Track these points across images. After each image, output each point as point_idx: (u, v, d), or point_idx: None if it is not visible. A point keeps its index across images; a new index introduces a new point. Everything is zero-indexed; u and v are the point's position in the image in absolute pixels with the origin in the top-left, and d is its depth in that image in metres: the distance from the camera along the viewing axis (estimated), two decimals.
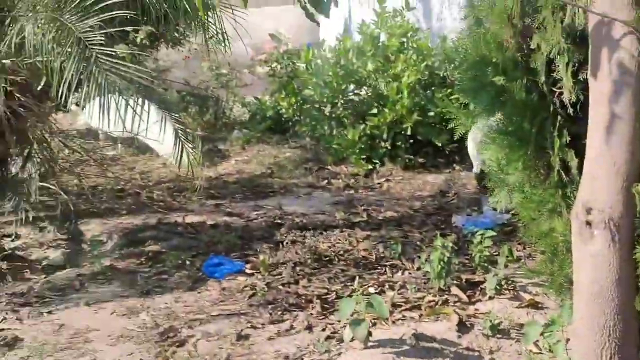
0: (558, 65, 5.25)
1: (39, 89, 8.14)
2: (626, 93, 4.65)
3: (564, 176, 5.36)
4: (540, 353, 6.20)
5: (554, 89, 5.32)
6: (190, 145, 8.33)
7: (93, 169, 11.85)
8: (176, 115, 8.71)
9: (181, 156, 8.18)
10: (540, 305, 7.02)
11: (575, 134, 5.27)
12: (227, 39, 8.61)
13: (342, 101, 12.73)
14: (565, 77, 5.19)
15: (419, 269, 7.97)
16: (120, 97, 7.18)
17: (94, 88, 6.91)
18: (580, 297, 5.12)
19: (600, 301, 4.97)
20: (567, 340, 5.59)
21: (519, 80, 5.45)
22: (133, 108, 7.29)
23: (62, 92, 6.85)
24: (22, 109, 8.12)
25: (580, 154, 5.18)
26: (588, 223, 4.94)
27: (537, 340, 6.16)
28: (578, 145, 5.26)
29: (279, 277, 7.88)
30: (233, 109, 15.74)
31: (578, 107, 5.13)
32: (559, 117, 5.33)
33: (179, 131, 8.23)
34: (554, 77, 5.30)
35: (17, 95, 7.98)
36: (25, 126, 8.49)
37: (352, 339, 6.21)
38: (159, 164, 12.93)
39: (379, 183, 11.54)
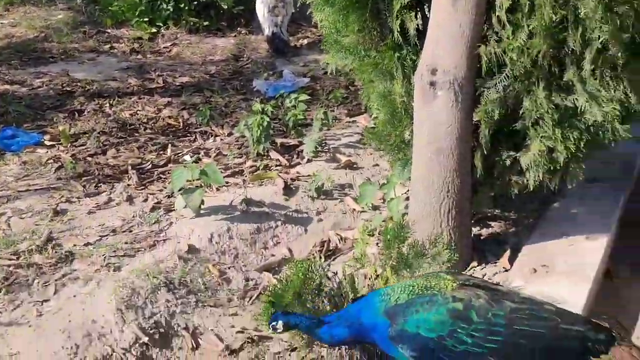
0: None
1: None
2: None
3: (400, 39, 5.35)
4: (364, 211, 6.37)
5: None
6: None
7: None
8: None
9: None
10: (355, 166, 7.15)
11: None
12: None
13: None
14: None
15: (230, 134, 7.79)
16: None
17: None
18: (420, 156, 5.26)
19: (440, 159, 5.14)
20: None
21: None
22: None
23: None
24: None
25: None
26: (432, 84, 5.02)
27: (367, 203, 6.30)
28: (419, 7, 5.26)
29: (84, 148, 7.38)
30: None
31: None
32: None
33: None
34: None
35: None
36: None
37: (184, 208, 5.98)
38: None
39: (166, 47, 11.00)
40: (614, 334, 3.62)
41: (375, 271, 4.58)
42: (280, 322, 3.88)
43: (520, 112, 5.10)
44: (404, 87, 5.38)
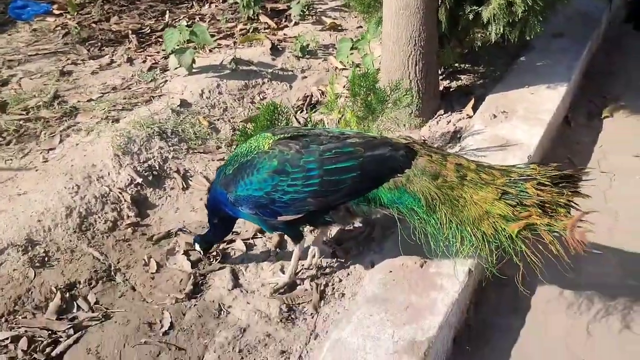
0: None
1: None
2: None
3: None
4: (345, 69, 6.50)
5: None
6: None
7: None
8: None
9: None
10: (340, 28, 7.25)
11: None
12: None
13: None
14: None
15: (224, 1, 7.84)
16: None
17: None
18: (389, 12, 5.35)
19: (407, 14, 5.23)
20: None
21: None
22: None
23: None
24: None
25: None
26: None
27: (342, 60, 6.42)
28: None
29: (89, 15, 7.51)
30: None
31: None
32: None
33: None
34: None
35: None
36: None
37: (177, 67, 6.15)
38: None
39: None
40: (414, 148, 3.81)
41: (340, 114, 4.75)
42: (197, 245, 4.23)
43: None
44: None
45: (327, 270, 4.17)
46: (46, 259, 4.20)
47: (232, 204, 3.84)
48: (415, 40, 5.29)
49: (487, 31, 5.43)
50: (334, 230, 4.45)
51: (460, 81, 6.20)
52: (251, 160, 3.77)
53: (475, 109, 5.62)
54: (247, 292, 4.05)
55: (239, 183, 3.76)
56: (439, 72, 5.91)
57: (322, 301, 3.95)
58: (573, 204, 3.61)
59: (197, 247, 4.23)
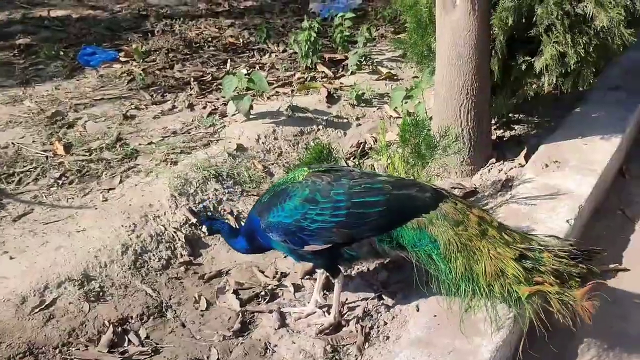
0: None
1: None
2: None
3: None
4: (399, 117, 6.57)
5: None
6: None
7: None
8: None
9: None
10: (395, 78, 7.35)
11: None
12: None
13: None
14: None
15: (284, 51, 8.06)
16: None
17: None
18: (442, 62, 5.42)
19: (459, 63, 5.29)
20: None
21: None
22: None
23: None
24: None
25: None
26: None
27: (396, 108, 6.51)
28: None
29: (154, 63, 7.77)
30: None
31: None
32: None
33: None
34: None
35: None
36: None
37: (235, 113, 6.32)
38: None
39: None
40: (443, 192, 3.96)
41: (388, 160, 4.81)
42: (204, 226, 4.30)
43: (534, 20, 5.20)
44: None
45: (373, 313, 4.18)
46: (101, 293, 4.32)
47: (264, 230, 3.95)
48: (467, 89, 5.34)
49: (540, 82, 5.45)
50: (381, 275, 4.48)
51: (513, 130, 6.20)
52: (285, 189, 3.93)
53: (527, 158, 5.61)
54: (293, 332, 4.09)
55: (272, 210, 3.90)
56: (492, 121, 5.94)
57: (367, 343, 3.96)
58: (587, 277, 3.68)
59: (204, 228, 4.31)
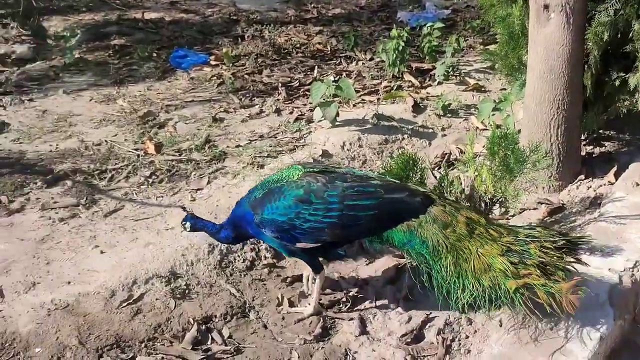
0: None
1: None
2: None
3: None
4: (485, 129, 6.50)
5: None
6: None
7: None
8: None
9: None
10: (483, 89, 7.27)
11: None
12: None
13: None
14: None
15: (371, 59, 8.08)
16: None
17: None
18: (533, 75, 5.34)
19: (551, 78, 5.20)
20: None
21: None
22: None
23: None
24: None
25: None
26: (546, 7, 5.07)
27: (484, 120, 6.44)
28: None
29: (243, 67, 7.91)
30: None
31: None
32: None
33: None
34: None
35: None
36: None
37: (321, 120, 6.37)
38: None
39: None
40: (433, 197, 4.08)
41: (476, 172, 4.76)
42: (188, 223, 4.34)
43: (630, 35, 5.07)
44: (521, 10, 5.46)
45: (454, 325, 4.15)
46: (187, 291, 4.41)
47: (257, 225, 4.08)
48: (558, 103, 5.24)
49: (633, 98, 5.31)
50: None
51: (604, 147, 6.05)
52: (280, 187, 4.06)
53: (617, 176, 5.46)
54: (373, 339, 4.10)
55: (266, 206, 4.04)
56: (582, 137, 5.81)
57: (448, 355, 3.94)
58: (572, 268, 3.81)
59: (187, 225, 4.35)
